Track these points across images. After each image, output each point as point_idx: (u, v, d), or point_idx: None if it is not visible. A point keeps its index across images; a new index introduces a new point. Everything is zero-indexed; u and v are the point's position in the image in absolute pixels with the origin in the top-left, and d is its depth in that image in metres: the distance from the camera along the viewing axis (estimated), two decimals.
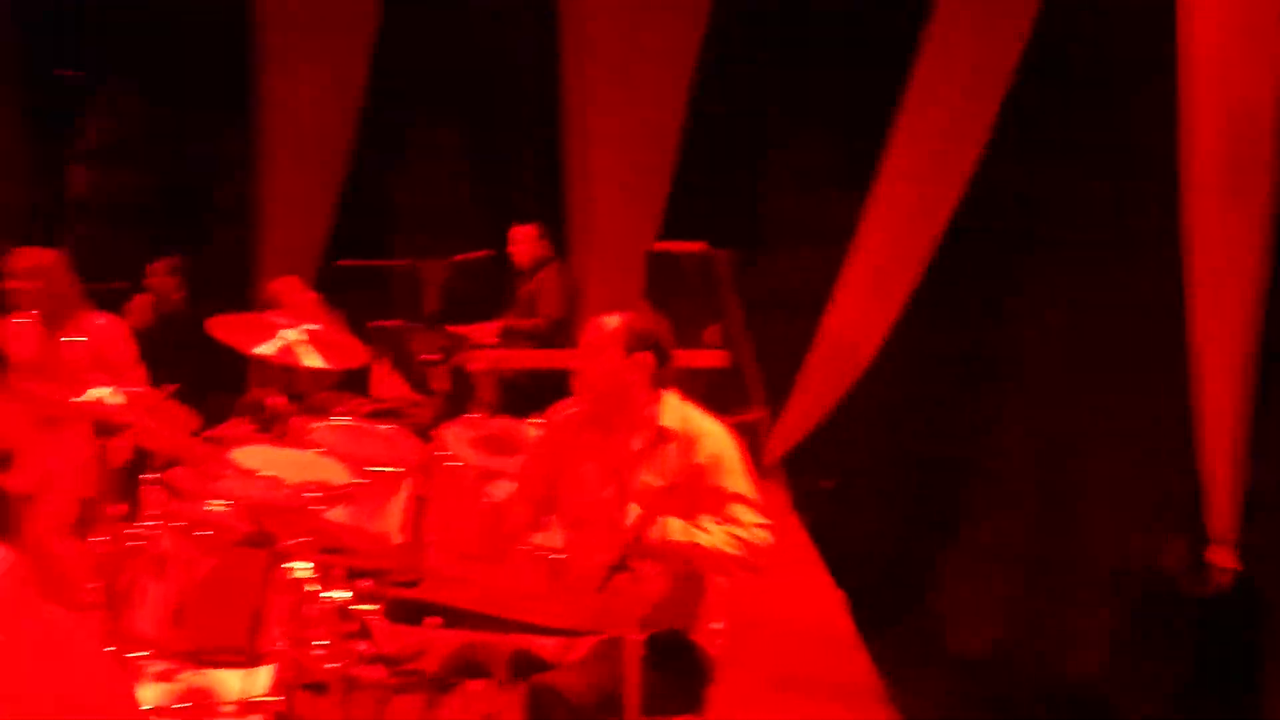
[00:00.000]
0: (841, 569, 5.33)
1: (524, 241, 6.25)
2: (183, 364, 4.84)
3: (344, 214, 7.64)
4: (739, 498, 2.74)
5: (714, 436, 2.81)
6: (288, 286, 4.92)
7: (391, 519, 3.54)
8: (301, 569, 1.89)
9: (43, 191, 8.23)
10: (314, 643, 1.93)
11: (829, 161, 7.46)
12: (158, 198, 8.31)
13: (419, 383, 5.29)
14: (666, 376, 2.88)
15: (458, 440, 3.81)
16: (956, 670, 4.98)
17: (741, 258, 7.00)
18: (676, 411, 2.85)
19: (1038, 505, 5.73)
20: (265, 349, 3.64)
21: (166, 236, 7.77)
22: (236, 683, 2.12)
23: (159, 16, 7.72)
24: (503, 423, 4.04)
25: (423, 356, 5.14)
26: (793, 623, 4.73)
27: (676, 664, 2.68)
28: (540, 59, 7.26)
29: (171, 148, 8.19)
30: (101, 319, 4.56)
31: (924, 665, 4.83)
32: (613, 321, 2.82)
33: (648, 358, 2.78)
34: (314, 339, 3.77)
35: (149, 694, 2.05)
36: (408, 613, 1.83)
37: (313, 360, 3.70)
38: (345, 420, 3.80)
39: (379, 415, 4.36)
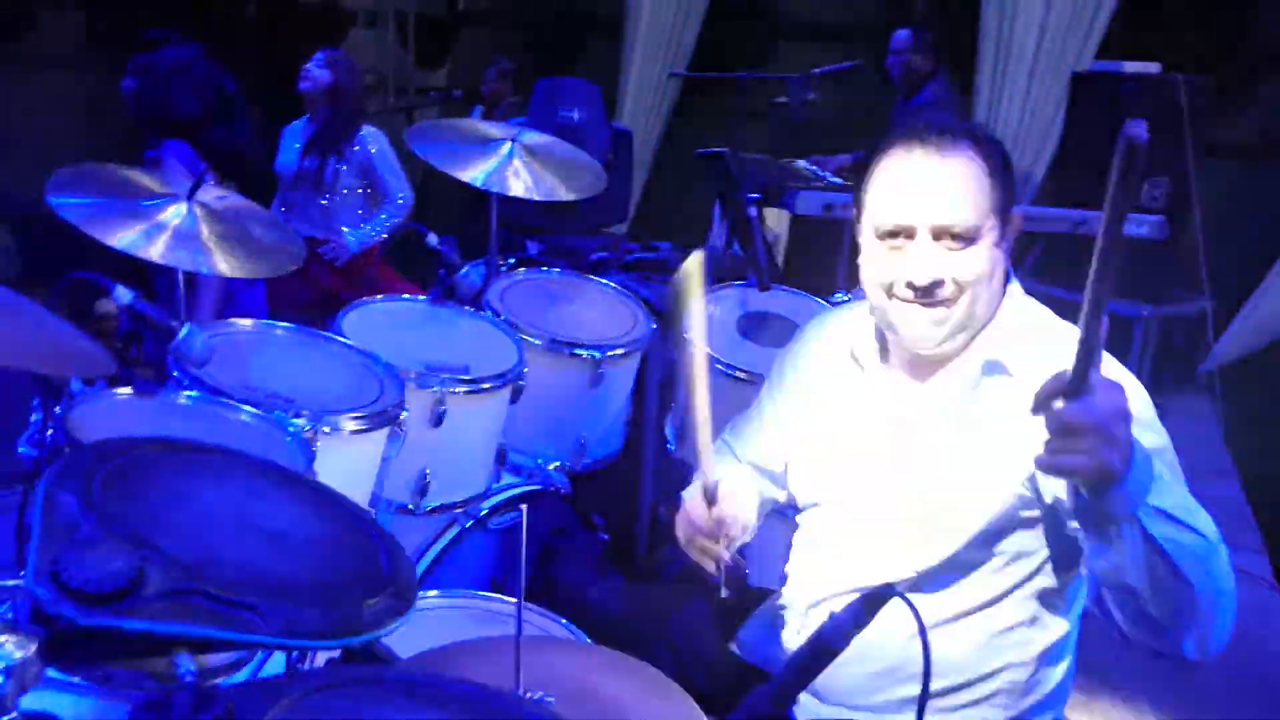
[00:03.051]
0: None
1: (905, 50, 4.63)
2: None
3: (714, 21, 6.43)
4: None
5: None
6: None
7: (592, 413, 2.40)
8: None
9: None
10: None
11: None
12: (538, 9, 7.64)
13: (742, 229, 4.00)
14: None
15: (715, 314, 2.55)
16: None
17: (1215, 88, 4.83)
18: (1021, 325, 1.43)
19: None
20: (470, 171, 2.57)
21: (547, 50, 7.13)
22: None
23: None
24: (792, 301, 2.70)
25: (747, 195, 3.80)
26: None
27: None
28: None
29: None
30: (370, 128, 3.79)
31: None
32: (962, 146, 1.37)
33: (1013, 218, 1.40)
34: (534, 159, 2.63)
35: None
36: None
37: (520, 188, 2.57)
38: (543, 274, 2.65)
39: (642, 268, 3.18)
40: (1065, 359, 1.33)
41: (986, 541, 1.38)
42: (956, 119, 1.47)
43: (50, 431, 1.40)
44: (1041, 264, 4.67)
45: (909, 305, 1.38)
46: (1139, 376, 1.39)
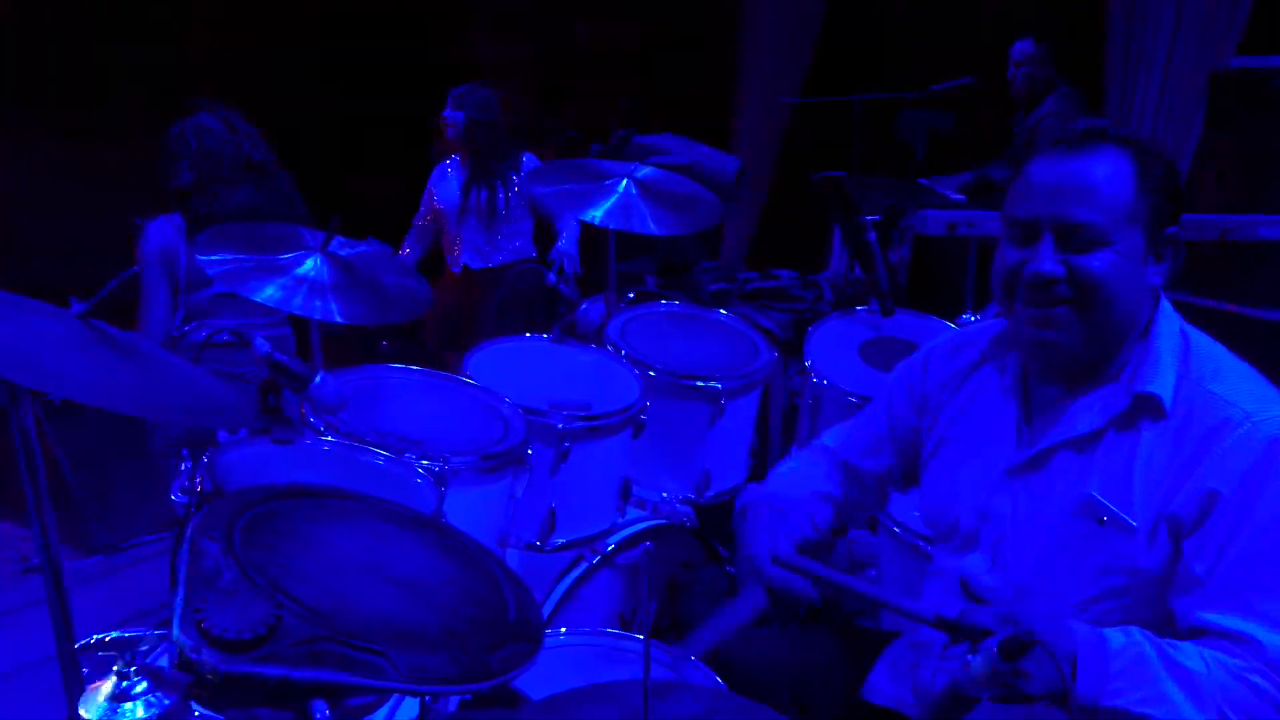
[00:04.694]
0: None
1: (1025, 63, 4.46)
2: None
3: (827, 44, 6.36)
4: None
5: (1262, 431, 1.22)
6: None
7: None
8: None
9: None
10: None
11: None
12: (650, 42, 7.71)
13: (863, 253, 3.90)
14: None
15: (834, 345, 2.49)
16: None
17: None
18: (1176, 359, 1.30)
19: None
20: (589, 210, 2.58)
21: (660, 82, 7.20)
22: None
23: None
24: (916, 325, 2.61)
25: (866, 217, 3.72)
26: None
27: None
28: None
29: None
30: (529, 158, 3.85)
31: None
32: (1109, 150, 1.29)
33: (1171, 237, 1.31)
34: (651, 194, 2.63)
35: None
36: None
37: (648, 224, 2.58)
38: (662, 308, 2.63)
39: (762, 297, 3.14)
40: (1228, 403, 1.24)
41: (1127, 594, 1.29)
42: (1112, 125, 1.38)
43: (199, 479, 1.46)
44: (1185, 273, 4.40)
45: (1028, 308, 1.31)
46: None
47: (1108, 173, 1.27)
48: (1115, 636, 1.18)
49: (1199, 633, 1.22)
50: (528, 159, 3.85)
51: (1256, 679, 1.16)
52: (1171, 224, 1.31)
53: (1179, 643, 1.21)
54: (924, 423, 1.56)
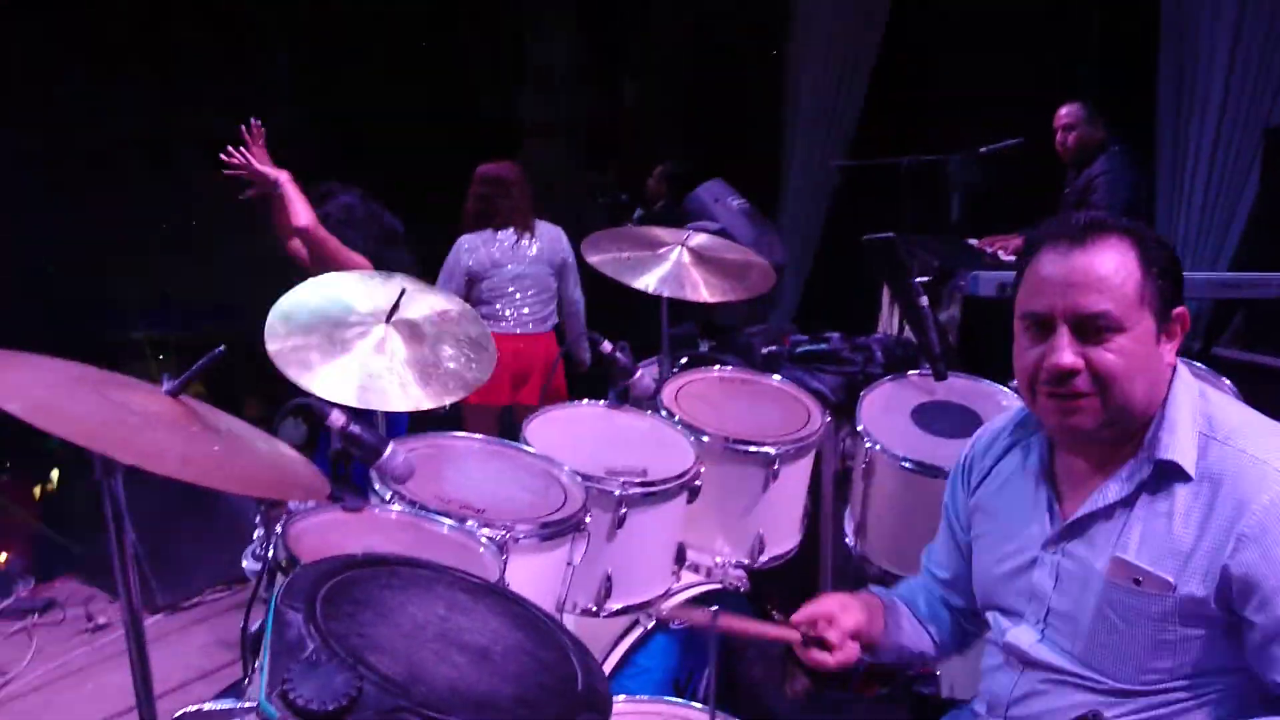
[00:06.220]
0: None
1: (1074, 125, 4.49)
2: None
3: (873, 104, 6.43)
4: None
5: None
6: None
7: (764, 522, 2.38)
8: None
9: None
10: None
11: None
12: (698, 107, 7.85)
13: (913, 315, 3.91)
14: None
15: (886, 409, 2.50)
16: None
17: None
18: (1196, 423, 1.34)
19: None
20: (644, 279, 2.65)
21: (709, 146, 7.32)
22: None
23: None
24: (968, 389, 2.62)
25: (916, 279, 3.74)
26: None
27: None
28: None
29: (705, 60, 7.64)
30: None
31: None
32: (1112, 239, 1.34)
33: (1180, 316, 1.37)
34: (704, 262, 2.69)
35: None
36: None
37: (699, 291, 2.63)
38: (715, 372, 2.67)
39: (812, 360, 3.17)
40: (1259, 460, 1.26)
41: (1172, 657, 1.31)
42: (1116, 213, 1.43)
43: (271, 547, 1.52)
44: (1244, 332, 4.34)
45: (1050, 399, 1.36)
46: None
47: (1115, 262, 1.32)
48: None
49: None
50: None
51: None
52: (1178, 303, 1.36)
53: None
54: (969, 501, 1.62)
